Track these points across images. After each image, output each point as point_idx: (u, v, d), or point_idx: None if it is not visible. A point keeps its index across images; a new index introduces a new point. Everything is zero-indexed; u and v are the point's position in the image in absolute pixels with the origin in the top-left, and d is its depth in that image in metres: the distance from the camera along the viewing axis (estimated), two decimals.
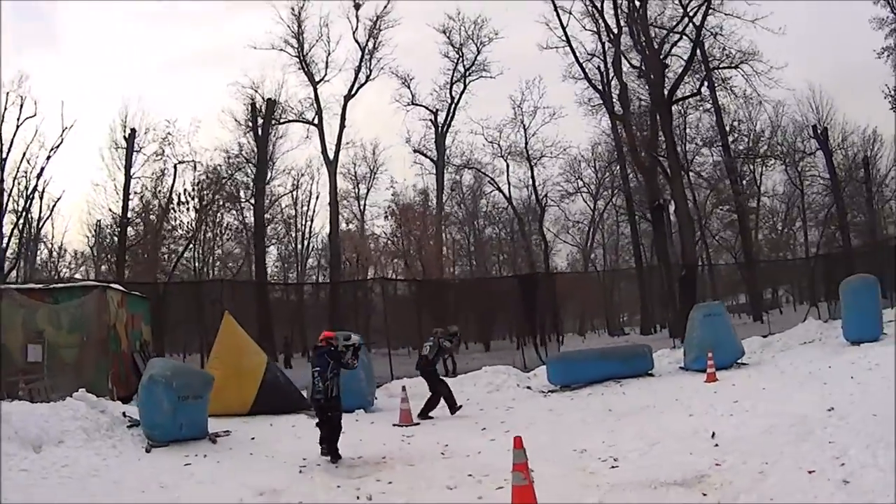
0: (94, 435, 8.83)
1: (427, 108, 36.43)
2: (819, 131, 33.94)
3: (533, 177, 37.60)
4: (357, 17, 34.44)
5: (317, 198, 37.04)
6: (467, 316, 28.31)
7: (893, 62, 30.93)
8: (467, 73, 35.80)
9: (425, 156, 37.08)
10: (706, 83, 30.26)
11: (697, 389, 13.57)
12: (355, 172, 38.25)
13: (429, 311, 24.12)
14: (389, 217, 35.40)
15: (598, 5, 29.69)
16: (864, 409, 8.52)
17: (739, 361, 16.52)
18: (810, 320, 23.64)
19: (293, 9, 33.94)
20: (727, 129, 33.37)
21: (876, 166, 35.89)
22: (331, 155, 33.46)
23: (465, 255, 40.93)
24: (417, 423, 11.43)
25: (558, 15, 30.82)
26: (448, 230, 37.98)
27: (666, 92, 27.42)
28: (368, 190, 38.43)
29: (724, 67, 29.06)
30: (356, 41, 34.53)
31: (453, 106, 36.02)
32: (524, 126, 37.27)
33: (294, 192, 36.00)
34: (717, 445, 7.84)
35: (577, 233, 43.68)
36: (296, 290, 31.73)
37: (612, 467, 7.26)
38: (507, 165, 37.73)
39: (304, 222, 37.60)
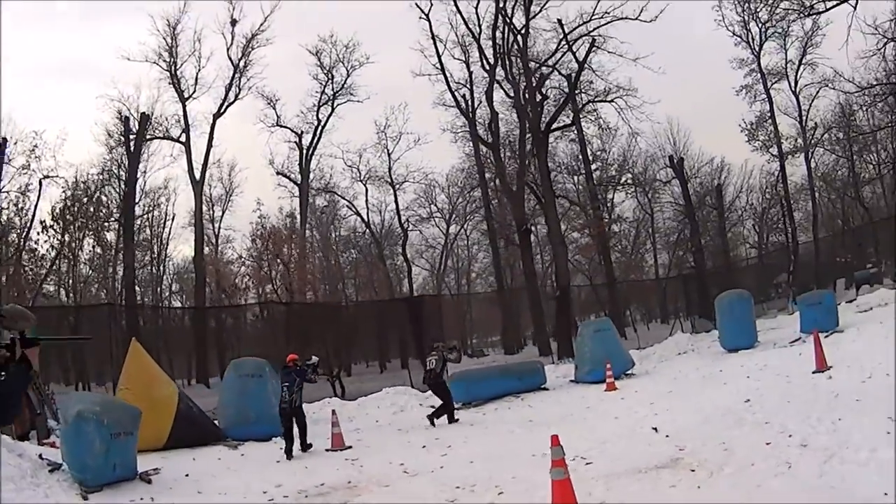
0: (21, 483, 7.90)
1: (292, 129, 36.22)
2: (675, 161, 37.63)
3: (396, 202, 38.51)
4: (233, 33, 33.68)
5: (173, 218, 35.42)
6: (362, 339, 28.24)
7: (750, 98, 35.39)
8: (335, 97, 35.99)
9: (289, 178, 36.81)
10: (580, 114, 32.63)
11: (602, 398, 14.75)
12: (211, 194, 37.07)
13: (315, 334, 23.83)
14: (257, 240, 34.57)
15: (476, 35, 31.15)
16: (775, 399, 10.04)
17: (628, 372, 18.02)
18: (679, 333, 26.37)
19: (168, 21, 32.57)
20: (590, 158, 36.23)
21: (724, 194, 40.17)
22: (197, 175, 32.24)
23: (326, 279, 40.99)
24: (350, 447, 11.43)
25: (435, 44, 32.15)
26: (312, 253, 37.85)
27: (543, 123, 29.38)
28: (224, 212, 37.30)
29: (599, 101, 31.55)
30: (230, 58, 33.69)
31: (319, 129, 36.08)
32: (388, 151, 38.12)
33: (152, 213, 34.10)
34: (667, 436, 8.77)
35: (430, 257, 44.87)
36: (170, 314, 30.28)
37: (588, 463, 7.81)
38: (367, 189, 38.48)
39: (160, 244, 35.65)
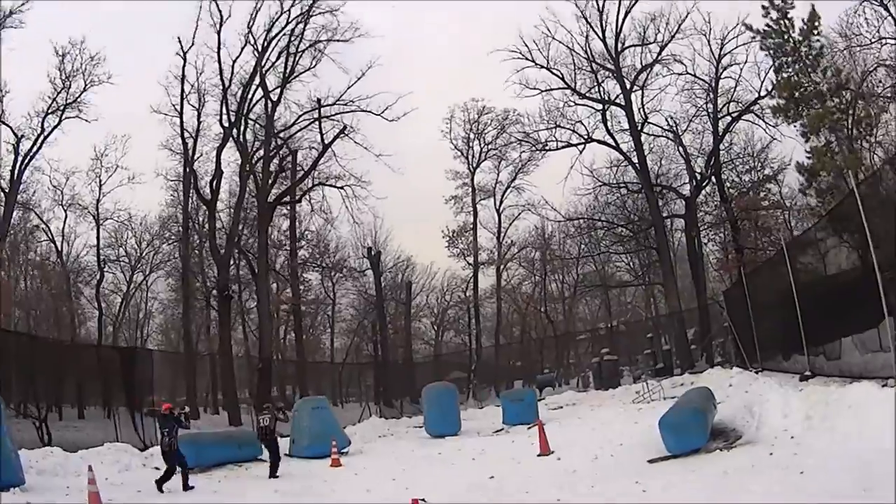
0: None
1: (12, 129, 31.34)
2: (373, 253, 40.02)
3: (98, 237, 36.46)
4: None
5: None
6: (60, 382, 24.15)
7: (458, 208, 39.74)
8: (65, 108, 32.12)
9: None
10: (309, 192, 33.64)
11: (335, 474, 14.96)
12: None
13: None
14: None
15: (225, 88, 30.86)
16: (518, 477, 11.55)
17: (344, 450, 18.45)
18: (374, 417, 27.74)
19: None
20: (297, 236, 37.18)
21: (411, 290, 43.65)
22: None
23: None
24: None
25: (182, 85, 31.51)
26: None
27: (272, 197, 29.90)
28: None
29: (329, 185, 33.00)
30: None
31: (41, 138, 31.86)
32: (100, 181, 36.09)
33: None
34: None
35: (112, 301, 41.60)
36: None
37: None
38: (66, 216, 35.96)
39: None
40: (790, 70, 23.27)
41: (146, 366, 23.03)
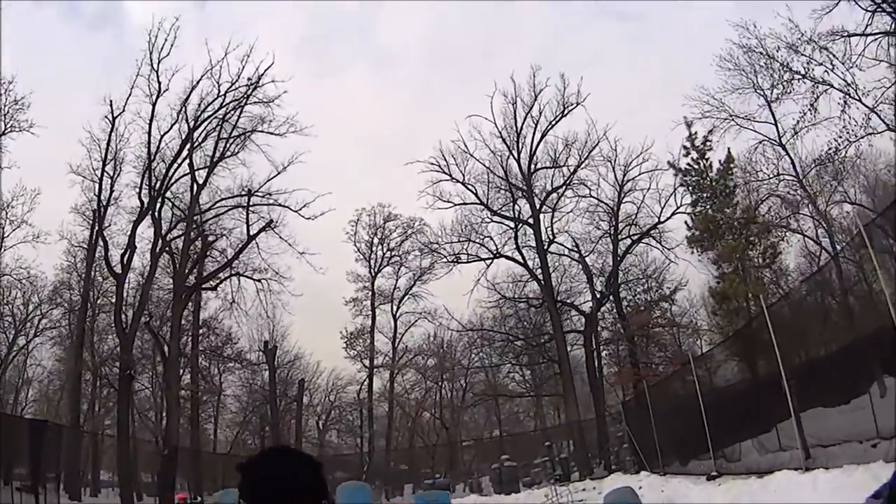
0: None
1: None
2: (269, 347, 39.94)
3: None
4: None
5: None
6: None
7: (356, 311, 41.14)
8: None
9: None
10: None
11: None
12: None
13: None
14: None
15: (150, 158, 31.02)
16: None
17: None
18: None
19: None
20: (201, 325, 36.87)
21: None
22: None
23: None
24: None
25: (108, 147, 31.15)
26: None
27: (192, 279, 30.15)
28: None
29: (246, 276, 33.57)
30: None
31: None
32: (2, 234, 33.95)
33: None
34: None
35: None
36: None
37: None
38: None
39: None
40: (706, 205, 27.02)
41: (56, 442, 21.58)
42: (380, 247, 41.32)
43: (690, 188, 28.84)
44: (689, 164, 28.54)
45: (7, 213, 34.25)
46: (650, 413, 23.99)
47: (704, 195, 27.49)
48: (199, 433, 36.07)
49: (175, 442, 27.74)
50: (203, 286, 32.86)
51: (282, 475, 1.41)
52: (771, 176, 26.08)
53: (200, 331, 37.20)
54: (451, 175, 35.40)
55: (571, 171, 34.78)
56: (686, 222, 29.70)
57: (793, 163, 25.75)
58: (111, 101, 30.96)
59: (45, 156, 53.46)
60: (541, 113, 35.04)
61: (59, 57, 54.65)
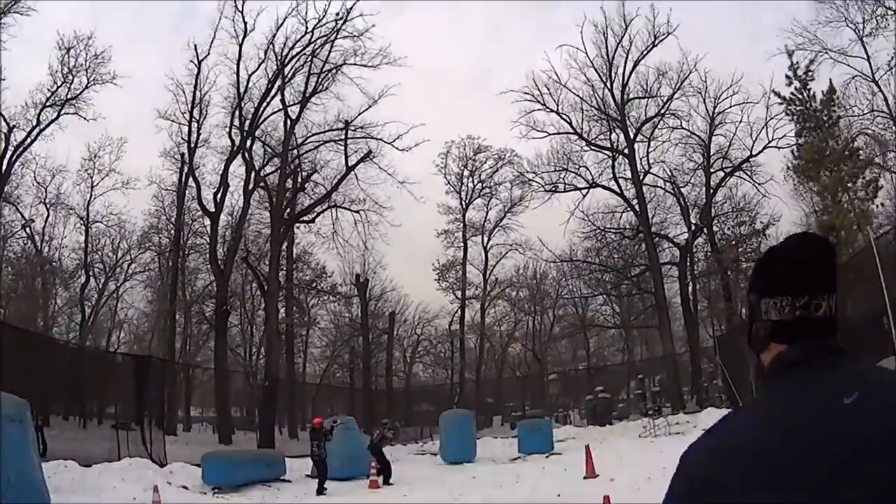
0: None
1: (4, 116, 31.35)
2: (361, 280, 41.25)
3: (87, 240, 36.64)
4: None
5: None
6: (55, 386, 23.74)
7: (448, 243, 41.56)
8: (65, 103, 32.34)
9: None
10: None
11: (387, 497, 15.50)
12: None
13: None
14: None
15: (240, 98, 31.94)
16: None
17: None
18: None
19: None
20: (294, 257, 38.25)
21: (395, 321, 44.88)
22: None
23: None
24: None
25: (195, 91, 32.19)
26: None
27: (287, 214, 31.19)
28: None
29: (345, 208, 34.36)
30: None
31: (36, 131, 31.93)
32: (92, 183, 36.18)
33: None
34: None
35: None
36: None
37: None
38: (48, 214, 35.88)
39: None
40: (811, 135, 26.37)
41: (157, 377, 22.80)
42: (470, 179, 41.74)
43: (795, 117, 28.19)
44: (792, 94, 27.93)
45: (96, 163, 36.44)
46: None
47: (808, 125, 26.81)
48: (293, 366, 37.86)
49: (276, 374, 29.24)
50: (301, 219, 33.69)
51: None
52: (864, 112, 25.24)
53: (294, 265, 38.70)
54: (544, 104, 35.24)
55: (665, 101, 34.16)
56: (792, 151, 29.26)
57: (886, 100, 24.96)
58: (195, 45, 32.04)
59: (130, 108, 56.15)
60: (631, 43, 34.42)
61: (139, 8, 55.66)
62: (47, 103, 32.07)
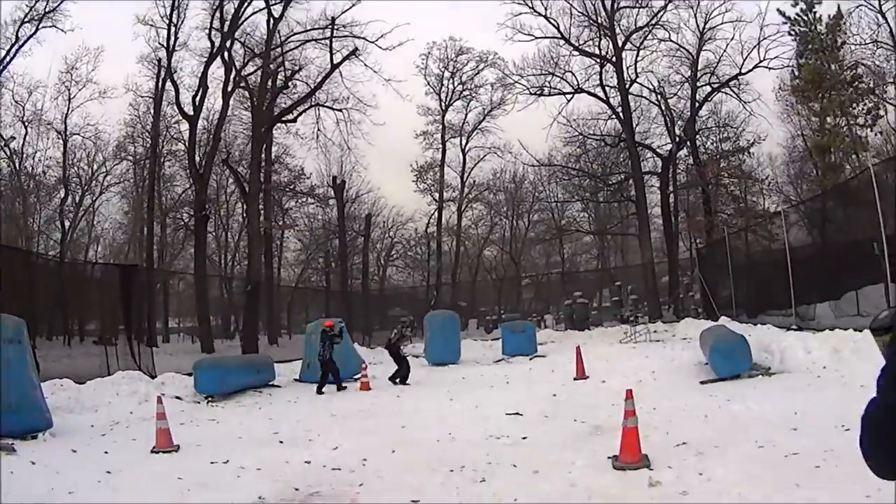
0: None
1: None
2: (338, 182, 41.03)
3: (65, 154, 36.59)
4: None
5: None
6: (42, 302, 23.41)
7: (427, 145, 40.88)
8: (43, 17, 31.36)
9: None
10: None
11: (372, 396, 15.35)
12: None
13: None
14: None
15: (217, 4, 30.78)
16: (578, 396, 13.22)
17: (356, 376, 18.39)
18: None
19: None
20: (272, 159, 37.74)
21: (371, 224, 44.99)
22: None
23: None
24: (178, 447, 9.27)
25: None
26: None
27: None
28: None
29: (326, 106, 33.87)
30: None
31: (15, 48, 31.18)
32: (69, 94, 35.61)
33: None
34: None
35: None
36: None
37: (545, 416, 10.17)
38: (26, 131, 35.08)
39: None
40: (813, 57, 26.44)
41: (142, 287, 22.50)
42: (451, 80, 41.24)
43: (798, 38, 28.13)
44: (798, 14, 27.79)
45: (73, 75, 35.78)
46: (728, 262, 24.61)
47: (812, 46, 26.87)
48: (272, 270, 37.95)
49: (258, 278, 29.30)
50: (283, 119, 33.18)
51: None
52: (867, 42, 25.36)
53: (272, 167, 38.23)
54: (532, 7, 34.62)
55: (656, 11, 33.75)
56: (792, 72, 29.28)
57: (891, 32, 25.04)
58: None
59: (107, 17, 53.23)
60: None
61: None
62: (25, 19, 31.34)
